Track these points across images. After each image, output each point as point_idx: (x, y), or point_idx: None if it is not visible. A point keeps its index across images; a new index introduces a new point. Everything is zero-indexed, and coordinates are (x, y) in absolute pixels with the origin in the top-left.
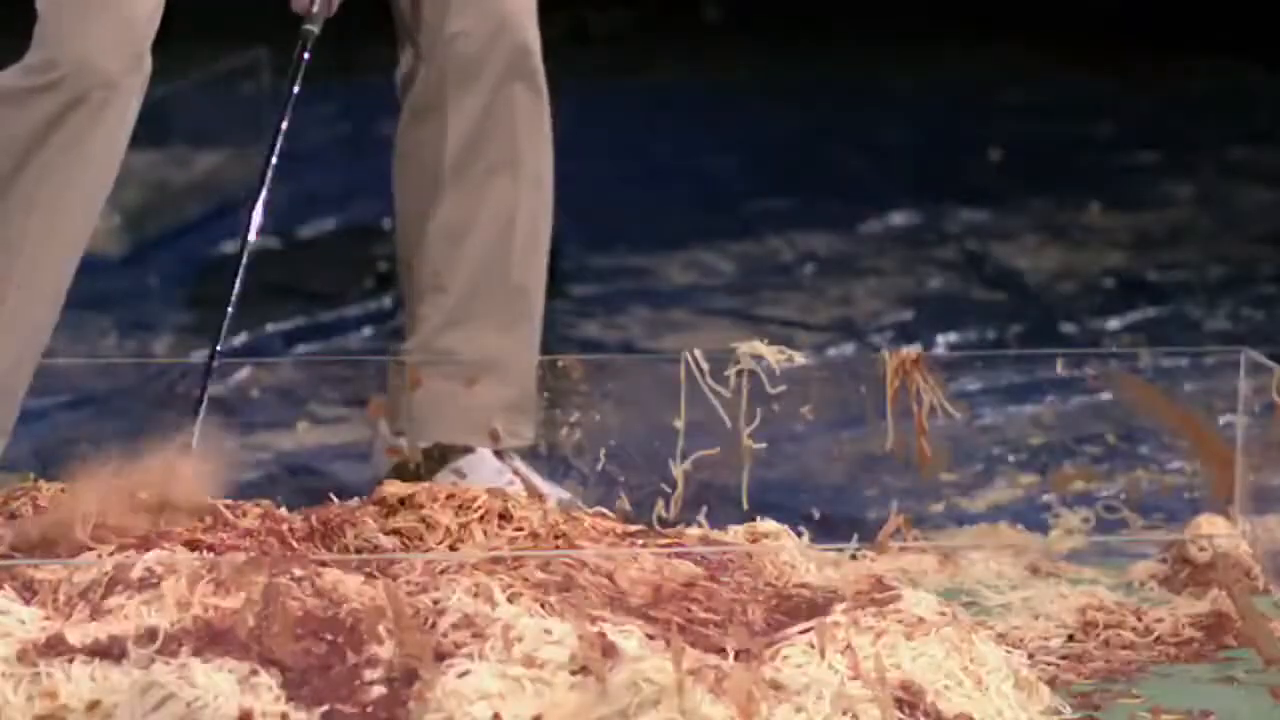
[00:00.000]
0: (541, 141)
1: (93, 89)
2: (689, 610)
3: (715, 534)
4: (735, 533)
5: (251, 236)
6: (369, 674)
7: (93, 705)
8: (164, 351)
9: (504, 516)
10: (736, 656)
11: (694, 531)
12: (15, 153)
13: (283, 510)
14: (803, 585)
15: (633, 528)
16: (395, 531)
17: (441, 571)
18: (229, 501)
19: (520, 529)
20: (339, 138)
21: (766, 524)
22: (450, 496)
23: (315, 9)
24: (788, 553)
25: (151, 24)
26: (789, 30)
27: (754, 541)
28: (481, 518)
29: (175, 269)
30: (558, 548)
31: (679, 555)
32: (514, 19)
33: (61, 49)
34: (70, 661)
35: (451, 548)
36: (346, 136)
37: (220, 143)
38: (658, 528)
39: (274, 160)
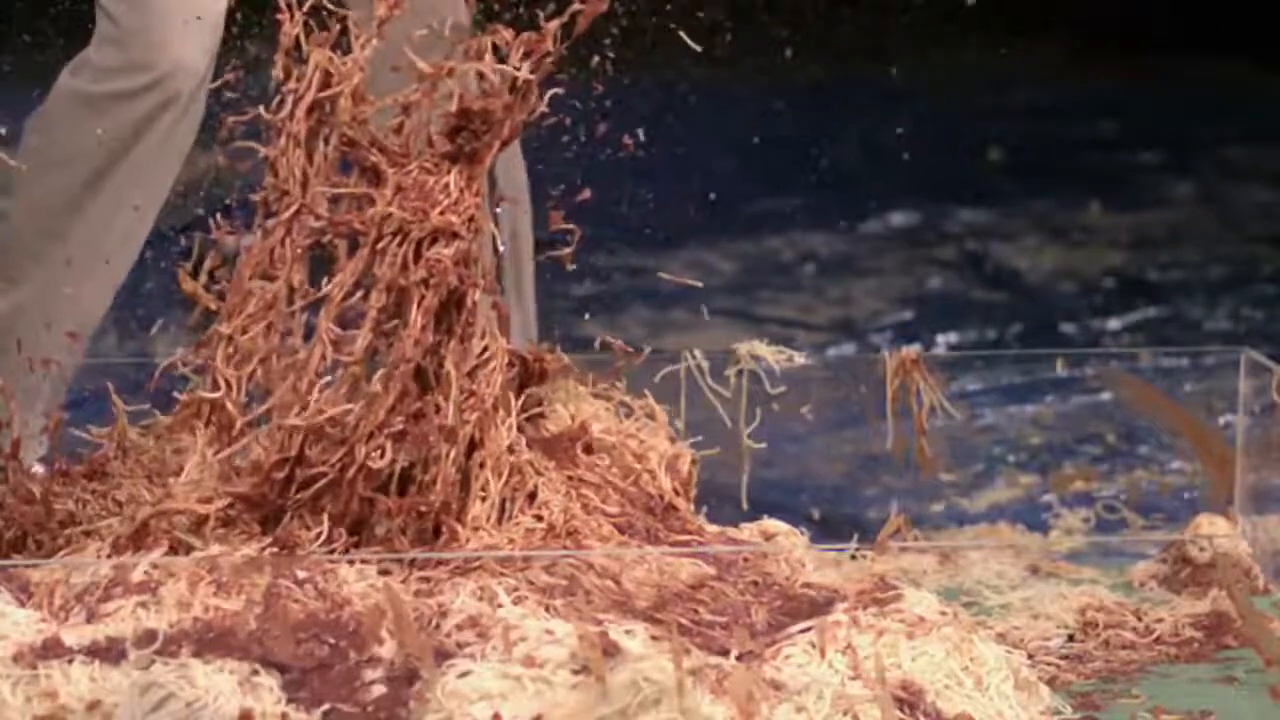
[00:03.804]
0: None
1: (185, 89)
2: (695, 612)
3: (731, 531)
4: (749, 531)
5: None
6: (369, 674)
7: (92, 705)
8: (164, 351)
9: (531, 496)
10: (738, 659)
11: (712, 529)
12: (100, 155)
13: None
14: (804, 585)
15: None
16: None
17: (441, 563)
18: None
19: (539, 517)
20: None
21: (774, 524)
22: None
23: None
24: (800, 551)
25: (220, 23)
26: (790, 30)
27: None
28: (515, 487)
29: (175, 269)
30: (566, 547)
31: (684, 555)
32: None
33: (155, 52)
34: (70, 662)
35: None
36: None
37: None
38: None
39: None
